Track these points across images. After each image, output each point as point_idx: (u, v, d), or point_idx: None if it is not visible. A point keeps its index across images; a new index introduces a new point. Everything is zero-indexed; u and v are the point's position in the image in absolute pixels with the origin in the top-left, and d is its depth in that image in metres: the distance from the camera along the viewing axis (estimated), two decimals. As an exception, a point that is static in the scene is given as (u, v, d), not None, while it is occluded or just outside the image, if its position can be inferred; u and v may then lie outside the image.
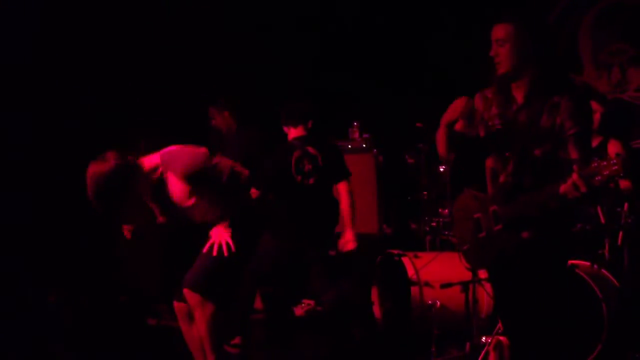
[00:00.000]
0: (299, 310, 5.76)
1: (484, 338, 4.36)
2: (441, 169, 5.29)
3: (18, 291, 5.51)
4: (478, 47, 5.99)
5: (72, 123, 5.65)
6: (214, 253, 3.78)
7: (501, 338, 4.20)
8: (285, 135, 4.99)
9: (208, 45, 6.21)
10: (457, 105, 3.12)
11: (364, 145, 6.25)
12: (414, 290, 4.71)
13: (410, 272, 4.77)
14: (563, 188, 2.78)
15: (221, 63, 6.30)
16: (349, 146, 6.30)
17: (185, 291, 3.82)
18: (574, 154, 2.90)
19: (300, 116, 4.90)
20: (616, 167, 2.64)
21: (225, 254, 3.77)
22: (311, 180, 4.80)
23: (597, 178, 2.68)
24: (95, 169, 3.49)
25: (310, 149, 4.83)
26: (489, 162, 3.17)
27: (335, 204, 4.95)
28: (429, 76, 6.23)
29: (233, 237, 3.81)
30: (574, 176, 2.73)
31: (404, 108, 6.09)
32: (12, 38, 5.40)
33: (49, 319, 5.46)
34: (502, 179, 3.09)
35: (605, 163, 2.66)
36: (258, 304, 5.75)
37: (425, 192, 5.43)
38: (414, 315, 4.70)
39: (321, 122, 6.31)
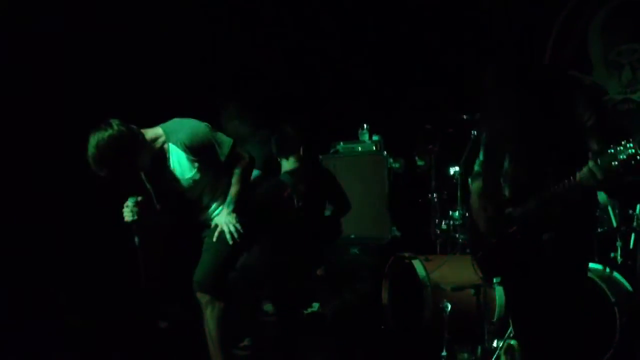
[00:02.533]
0: (308, 314, 5.77)
1: (495, 342, 4.36)
2: (452, 171, 5.27)
3: (25, 293, 5.52)
4: (487, 49, 6.02)
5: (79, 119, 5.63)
6: (230, 241, 3.75)
7: (512, 342, 4.20)
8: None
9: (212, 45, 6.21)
10: None
11: (374, 148, 6.24)
12: (425, 293, 4.70)
13: (421, 275, 4.76)
14: (578, 176, 2.69)
15: (230, 66, 6.30)
16: (359, 148, 6.29)
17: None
18: (594, 145, 2.79)
19: (291, 147, 4.90)
20: (632, 149, 2.53)
21: (233, 240, 3.74)
22: (301, 206, 4.81)
23: (613, 163, 2.57)
24: (98, 134, 3.45)
25: (301, 186, 4.82)
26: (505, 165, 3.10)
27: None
28: (440, 78, 6.21)
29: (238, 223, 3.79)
30: (589, 163, 2.64)
31: (414, 110, 6.08)
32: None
33: (57, 320, 5.48)
34: (518, 179, 3.02)
35: (620, 147, 2.55)
36: (268, 306, 5.77)
37: (436, 194, 5.41)
38: (425, 318, 4.69)
39: (331, 124, 6.38)
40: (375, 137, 6.30)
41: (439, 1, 6.30)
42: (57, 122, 5.50)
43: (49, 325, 5.34)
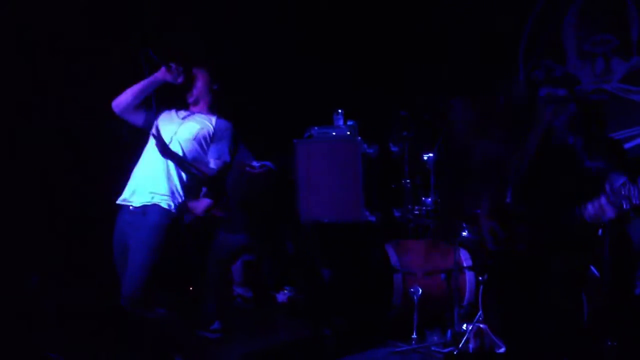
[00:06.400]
0: (281, 297, 5.77)
1: (464, 325, 4.41)
2: (425, 157, 5.30)
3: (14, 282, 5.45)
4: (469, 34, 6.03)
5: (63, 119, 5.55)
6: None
7: (481, 325, 4.25)
8: None
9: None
10: None
11: (348, 133, 6.23)
12: (396, 277, 4.73)
13: (393, 259, 4.79)
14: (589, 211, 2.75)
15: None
16: (333, 133, 6.28)
17: (128, 310, 3.56)
18: (604, 163, 2.84)
19: None
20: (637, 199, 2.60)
21: (157, 244, 3.61)
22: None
23: (624, 207, 2.66)
24: None
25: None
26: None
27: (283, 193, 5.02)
28: (416, 64, 6.22)
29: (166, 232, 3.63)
30: (602, 200, 2.70)
31: (389, 95, 6.09)
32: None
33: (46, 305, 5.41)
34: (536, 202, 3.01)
35: (635, 191, 2.62)
36: (240, 290, 5.77)
37: (409, 180, 5.44)
38: (396, 302, 4.72)
39: (305, 108, 6.36)
40: (349, 122, 6.30)
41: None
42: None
43: (38, 309, 5.28)
